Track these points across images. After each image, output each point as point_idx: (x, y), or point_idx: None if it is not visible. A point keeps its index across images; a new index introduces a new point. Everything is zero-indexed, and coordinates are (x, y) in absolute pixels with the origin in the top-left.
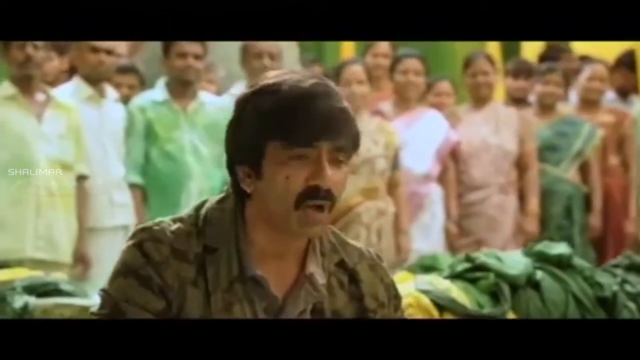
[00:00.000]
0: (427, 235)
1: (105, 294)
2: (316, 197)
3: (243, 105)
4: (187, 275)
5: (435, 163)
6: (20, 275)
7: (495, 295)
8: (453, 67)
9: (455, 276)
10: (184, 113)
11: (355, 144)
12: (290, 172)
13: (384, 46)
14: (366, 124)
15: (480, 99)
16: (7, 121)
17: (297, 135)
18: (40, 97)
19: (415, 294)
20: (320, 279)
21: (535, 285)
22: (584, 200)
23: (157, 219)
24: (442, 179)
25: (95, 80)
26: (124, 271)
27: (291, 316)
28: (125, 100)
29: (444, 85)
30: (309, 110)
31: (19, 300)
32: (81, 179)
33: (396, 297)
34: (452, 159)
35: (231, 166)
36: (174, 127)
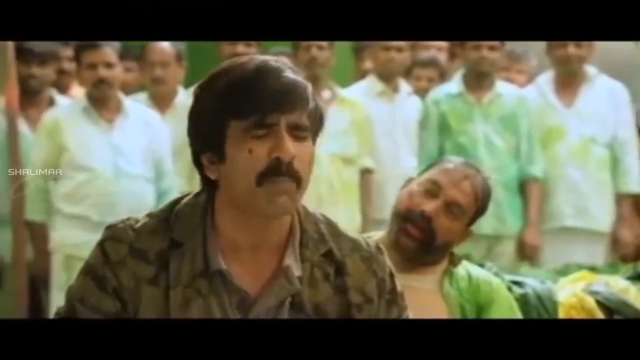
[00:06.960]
0: None
1: (67, 291)
2: (279, 172)
3: (199, 93)
4: (144, 275)
5: None
6: None
7: None
8: None
9: (638, 277)
10: (479, 105)
11: (315, 119)
12: (252, 145)
13: None
14: None
15: None
16: None
17: (253, 110)
18: (326, 94)
19: (580, 295)
20: (296, 271)
21: None
22: None
23: (130, 216)
24: None
25: (387, 76)
26: (85, 270)
27: (263, 311)
28: (423, 93)
29: None
30: (259, 85)
31: None
32: (366, 172)
33: (392, 291)
34: None
35: (196, 157)
36: (468, 120)
